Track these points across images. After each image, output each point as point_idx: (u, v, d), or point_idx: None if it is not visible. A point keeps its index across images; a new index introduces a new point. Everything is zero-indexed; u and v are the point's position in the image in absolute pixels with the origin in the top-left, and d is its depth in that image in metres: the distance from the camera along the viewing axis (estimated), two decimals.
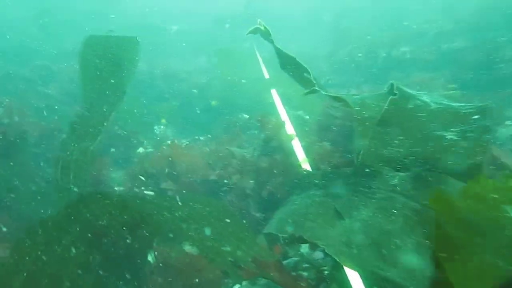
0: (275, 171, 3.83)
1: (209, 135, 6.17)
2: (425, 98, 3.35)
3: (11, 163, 3.89)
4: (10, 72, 6.86)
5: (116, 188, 4.75)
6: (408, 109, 3.25)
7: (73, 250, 2.54)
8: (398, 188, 2.86)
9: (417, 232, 2.55)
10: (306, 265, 3.35)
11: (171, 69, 7.52)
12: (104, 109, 3.85)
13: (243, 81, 7.22)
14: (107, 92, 4.02)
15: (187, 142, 6.14)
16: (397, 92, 3.34)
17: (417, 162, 2.96)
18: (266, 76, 7.03)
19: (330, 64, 9.27)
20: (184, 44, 10.63)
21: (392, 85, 3.38)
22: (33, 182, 3.76)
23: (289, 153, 3.99)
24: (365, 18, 13.07)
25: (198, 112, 6.62)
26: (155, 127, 6.52)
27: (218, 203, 3.62)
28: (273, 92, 5.60)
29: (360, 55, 8.99)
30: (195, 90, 7.12)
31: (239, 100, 6.69)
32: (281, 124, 4.09)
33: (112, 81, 4.09)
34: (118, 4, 13.26)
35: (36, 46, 9.17)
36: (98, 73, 4.17)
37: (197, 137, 6.21)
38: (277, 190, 3.79)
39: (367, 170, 3.09)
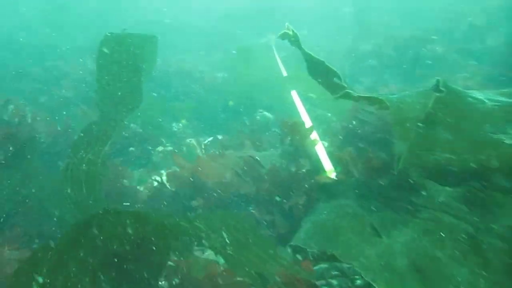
0: (301, 179, 3.50)
1: (228, 134, 5.90)
2: (478, 95, 2.91)
3: (20, 170, 3.68)
4: (22, 71, 6.76)
5: (138, 187, 4.58)
6: (458, 108, 2.81)
7: (86, 272, 2.28)
8: (447, 207, 2.46)
9: (471, 261, 2.17)
10: (336, 272, 3.02)
11: (187, 67, 7.25)
12: (120, 112, 3.60)
13: (257, 76, 6.89)
14: (124, 94, 3.78)
15: (207, 141, 5.90)
16: (444, 89, 2.92)
17: (468, 173, 2.55)
18: (284, 73, 6.70)
19: (352, 61, 8.50)
20: (198, 40, 10.30)
21: (438, 81, 2.96)
22: (43, 193, 3.54)
23: (316, 159, 3.65)
24: (388, 10, 12.36)
25: (216, 110, 6.34)
26: (174, 125, 6.29)
27: (243, 214, 3.34)
28: (293, 92, 5.28)
29: (384, 51, 8.33)
30: (211, 88, 6.83)
31: (257, 98, 6.36)
32: (303, 127, 3.75)
33: (129, 82, 3.85)
34: (133, 1, 13.00)
35: (49, 45, 9.03)
36: (114, 74, 3.92)
37: (216, 136, 5.93)
38: (304, 198, 3.46)
39: (408, 181, 2.71)
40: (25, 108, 4.59)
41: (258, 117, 6.04)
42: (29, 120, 4.59)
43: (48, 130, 4.44)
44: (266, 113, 6.04)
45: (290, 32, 3.11)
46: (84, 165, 3.06)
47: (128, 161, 5.34)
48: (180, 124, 6.13)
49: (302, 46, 3.14)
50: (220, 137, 5.86)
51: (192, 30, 11.24)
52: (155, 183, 4.07)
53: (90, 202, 3.13)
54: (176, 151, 5.73)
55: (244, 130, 5.45)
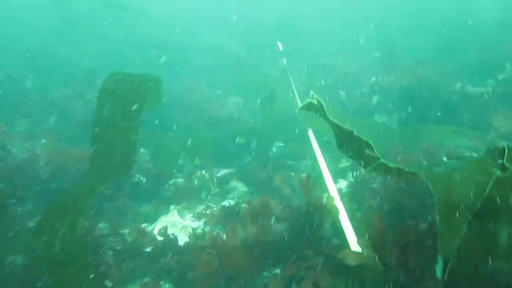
0: (321, 258, 2.92)
1: (241, 168, 5.45)
2: None
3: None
4: (23, 99, 6.52)
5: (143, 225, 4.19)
6: None
7: None
8: None
9: None
10: None
11: (198, 94, 6.73)
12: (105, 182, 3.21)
13: (273, 105, 6.34)
14: (116, 162, 3.43)
15: (219, 174, 5.46)
16: (508, 164, 2.19)
17: None
18: (300, 104, 6.12)
19: (379, 97, 6.91)
20: (214, 63, 9.67)
21: (503, 148, 2.24)
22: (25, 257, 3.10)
23: (340, 231, 3.04)
24: (417, 39, 10.70)
25: (228, 141, 5.88)
26: (186, 159, 5.90)
27: None
28: (310, 133, 4.71)
29: (416, 91, 6.50)
30: (224, 116, 6.35)
31: (273, 128, 5.85)
32: (326, 192, 3.17)
33: (123, 149, 3.56)
34: (149, 20, 12.40)
35: (55, 65, 8.69)
36: (110, 138, 3.69)
37: (227, 170, 5.47)
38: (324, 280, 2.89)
39: None
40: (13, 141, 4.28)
41: (274, 148, 5.66)
42: (13, 152, 4.29)
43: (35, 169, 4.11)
44: (282, 144, 5.58)
45: (315, 101, 2.56)
46: (56, 245, 2.60)
47: (136, 195, 4.96)
48: (192, 161, 5.76)
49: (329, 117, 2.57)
50: (232, 170, 5.44)
51: (205, 50, 10.68)
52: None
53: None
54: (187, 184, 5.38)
55: (259, 169, 4.96)
